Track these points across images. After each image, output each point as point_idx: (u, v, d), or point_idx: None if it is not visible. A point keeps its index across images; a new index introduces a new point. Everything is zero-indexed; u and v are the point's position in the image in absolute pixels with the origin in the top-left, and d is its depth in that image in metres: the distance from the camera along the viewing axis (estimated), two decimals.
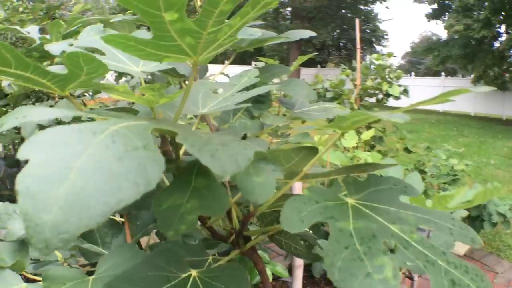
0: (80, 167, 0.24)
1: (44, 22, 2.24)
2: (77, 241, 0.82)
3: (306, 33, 0.96)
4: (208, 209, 0.39)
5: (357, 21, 4.10)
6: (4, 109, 1.46)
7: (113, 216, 0.85)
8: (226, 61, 1.14)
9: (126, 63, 0.65)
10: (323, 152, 0.53)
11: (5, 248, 0.68)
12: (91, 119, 0.80)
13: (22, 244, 0.71)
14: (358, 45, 3.95)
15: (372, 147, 3.53)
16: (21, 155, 0.24)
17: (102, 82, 0.81)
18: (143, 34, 0.70)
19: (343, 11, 24.90)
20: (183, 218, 0.38)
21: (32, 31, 1.32)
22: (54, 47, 0.95)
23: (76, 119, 1.28)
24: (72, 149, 0.25)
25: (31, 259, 0.75)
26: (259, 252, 2.05)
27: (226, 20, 0.45)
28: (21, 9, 3.07)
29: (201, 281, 0.50)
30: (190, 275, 0.51)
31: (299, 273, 1.23)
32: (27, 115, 0.31)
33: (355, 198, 0.50)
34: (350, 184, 0.53)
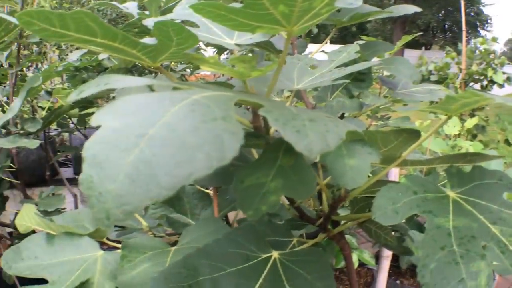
0: (153, 135, 0.22)
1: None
2: (166, 211, 0.84)
3: (411, 9, 0.88)
4: (292, 191, 0.37)
5: (462, 1, 3.79)
6: None
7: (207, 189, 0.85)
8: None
9: (219, 35, 0.64)
10: (426, 137, 0.48)
11: (87, 215, 0.71)
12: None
13: None
14: (464, 26, 3.66)
15: (474, 137, 3.29)
16: (94, 121, 0.23)
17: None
18: (238, 5, 0.68)
19: None
20: (265, 198, 0.35)
21: (130, 6, 1.36)
22: (151, 22, 0.97)
23: None
24: (147, 117, 0.23)
25: (116, 226, 0.77)
26: (347, 236, 2.00)
27: None
28: None
29: (281, 264, 0.48)
30: (271, 256, 0.48)
31: (386, 264, 1.17)
32: (109, 82, 0.30)
33: (457, 192, 0.45)
34: (453, 175, 0.47)
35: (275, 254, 0.49)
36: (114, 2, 1.34)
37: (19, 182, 1.41)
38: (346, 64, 0.64)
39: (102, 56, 1.48)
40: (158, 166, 0.21)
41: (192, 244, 0.57)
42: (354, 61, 0.63)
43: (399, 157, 0.51)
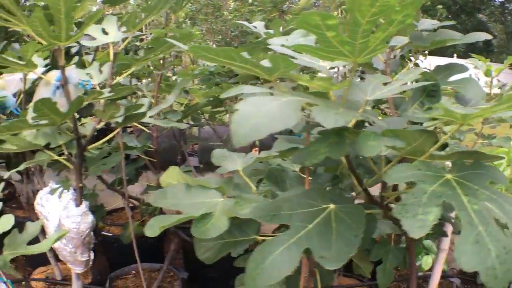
0: (263, 111, 0.55)
1: (272, 14, 2.70)
2: (272, 188, 1.17)
3: (482, 36, 1.13)
4: (332, 151, 0.67)
5: None
6: (233, 85, 1.95)
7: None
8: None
9: (314, 61, 0.96)
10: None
11: (213, 179, 1.07)
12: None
13: (229, 179, 1.10)
14: None
15: None
16: (236, 106, 0.57)
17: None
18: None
19: None
20: (315, 155, 0.67)
21: (258, 25, 1.73)
22: (274, 42, 1.33)
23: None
24: (261, 105, 0.57)
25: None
26: (428, 242, 2.18)
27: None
28: (250, 0, 3.65)
29: (334, 212, 0.78)
30: (328, 207, 0.79)
31: (442, 256, 1.37)
32: (243, 89, 0.64)
33: (453, 175, 0.71)
34: (457, 165, 0.74)
35: (331, 206, 0.80)
36: (244, 22, 1.73)
37: (155, 160, 1.86)
38: (417, 81, 0.92)
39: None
40: (264, 124, 0.54)
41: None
42: (426, 80, 0.91)
43: (427, 151, 0.79)
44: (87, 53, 2.06)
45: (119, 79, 1.19)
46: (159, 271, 2.40)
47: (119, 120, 1.08)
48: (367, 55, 0.76)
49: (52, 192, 1.27)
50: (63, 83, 1.09)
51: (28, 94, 1.58)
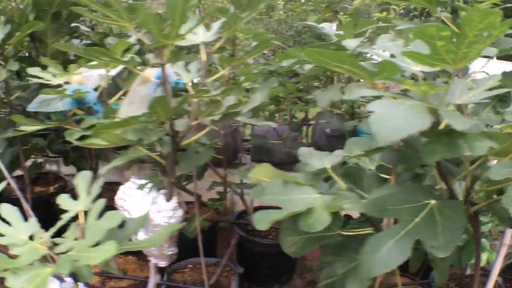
0: (397, 115, 0.63)
1: (326, 14, 2.76)
2: (351, 185, 1.23)
3: None
4: (449, 153, 0.75)
5: None
6: (296, 85, 2.02)
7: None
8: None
9: (409, 64, 1.02)
10: None
11: (303, 176, 1.15)
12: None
13: (316, 175, 1.17)
14: None
15: None
16: (370, 108, 0.64)
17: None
18: (419, 47, 1.06)
19: None
20: (433, 154, 0.75)
21: (327, 27, 1.80)
22: (350, 43, 1.40)
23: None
24: (392, 108, 0.64)
25: None
26: (482, 240, 2.23)
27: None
28: (303, 0, 3.73)
29: (436, 207, 0.85)
30: (430, 202, 0.86)
31: (503, 251, 1.41)
32: (361, 92, 0.73)
33: None
34: None
35: (432, 201, 0.86)
36: (313, 23, 1.81)
37: (221, 157, 1.95)
38: (491, 89, 0.98)
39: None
40: (401, 126, 0.61)
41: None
42: (500, 87, 0.97)
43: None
44: None
45: (213, 78, 1.27)
46: (214, 265, 2.50)
47: (216, 118, 1.16)
48: (465, 62, 0.83)
49: (141, 187, 1.36)
50: (163, 81, 1.16)
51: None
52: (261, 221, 0.95)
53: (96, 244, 0.92)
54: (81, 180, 1.10)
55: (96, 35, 2.71)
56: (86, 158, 2.99)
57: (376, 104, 0.65)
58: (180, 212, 1.37)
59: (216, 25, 1.24)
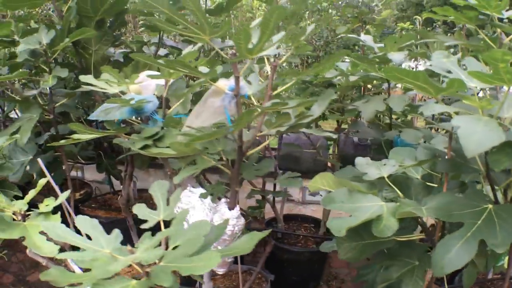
0: (479, 130, 0.74)
1: (355, 25, 2.86)
2: (396, 194, 1.33)
3: None
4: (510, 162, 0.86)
5: None
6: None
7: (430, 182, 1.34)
8: None
9: (466, 79, 1.13)
10: None
11: (364, 185, 1.25)
12: None
13: (373, 184, 1.27)
14: None
15: None
16: (453, 122, 0.76)
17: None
18: (474, 65, 1.17)
19: None
20: (499, 163, 0.86)
21: (367, 39, 1.90)
22: (396, 56, 1.51)
23: None
24: (473, 123, 0.76)
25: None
26: None
27: None
28: (330, 10, 3.83)
29: (494, 211, 0.96)
30: (488, 207, 0.98)
31: None
32: (435, 107, 0.85)
33: None
34: None
35: (490, 206, 0.98)
36: (353, 36, 1.91)
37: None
38: None
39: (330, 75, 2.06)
40: (484, 140, 0.73)
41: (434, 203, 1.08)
42: None
43: None
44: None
45: (280, 90, 1.34)
46: (245, 272, 2.57)
47: (283, 129, 1.25)
48: None
49: (204, 196, 1.42)
50: (236, 93, 1.23)
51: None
52: (338, 228, 1.05)
53: (193, 254, 0.89)
54: (158, 189, 1.15)
55: (136, 44, 2.76)
56: (116, 165, 3.10)
57: (460, 120, 0.77)
58: (242, 220, 1.42)
59: (275, 38, 1.27)
